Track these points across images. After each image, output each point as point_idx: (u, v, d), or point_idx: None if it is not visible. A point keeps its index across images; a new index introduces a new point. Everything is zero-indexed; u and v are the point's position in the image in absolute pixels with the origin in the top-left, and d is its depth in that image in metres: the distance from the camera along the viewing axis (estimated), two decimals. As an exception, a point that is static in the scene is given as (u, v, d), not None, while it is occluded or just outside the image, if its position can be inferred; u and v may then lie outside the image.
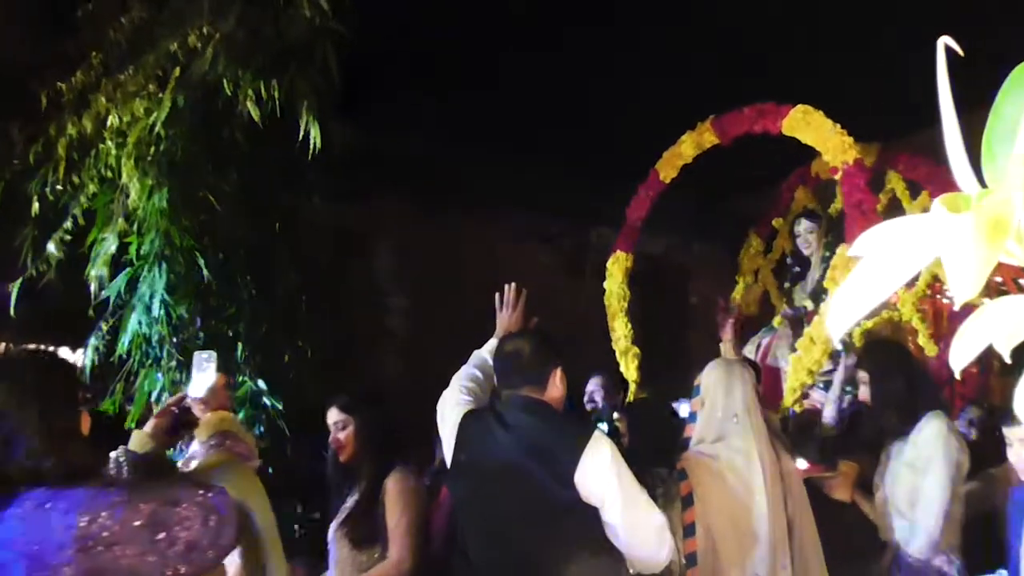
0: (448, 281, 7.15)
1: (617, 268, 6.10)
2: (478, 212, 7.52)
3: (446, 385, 3.36)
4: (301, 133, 4.43)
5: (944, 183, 5.83)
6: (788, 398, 5.24)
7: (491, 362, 3.30)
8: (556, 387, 3.06)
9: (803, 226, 6.09)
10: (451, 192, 7.09)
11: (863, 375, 3.96)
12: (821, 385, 5.49)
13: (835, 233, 5.88)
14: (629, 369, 5.86)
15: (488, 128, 6.59)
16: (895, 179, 6.40)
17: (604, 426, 3.96)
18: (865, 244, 0.99)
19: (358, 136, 5.66)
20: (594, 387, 5.48)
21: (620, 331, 5.91)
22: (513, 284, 3.63)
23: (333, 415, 3.79)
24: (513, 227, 7.85)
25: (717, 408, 3.66)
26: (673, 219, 6.81)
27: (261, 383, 5.00)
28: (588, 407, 5.35)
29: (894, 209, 6.27)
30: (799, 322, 5.71)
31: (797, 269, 6.26)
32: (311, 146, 4.42)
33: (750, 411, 3.66)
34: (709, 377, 3.75)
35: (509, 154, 6.88)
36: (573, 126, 6.65)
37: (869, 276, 0.95)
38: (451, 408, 3.22)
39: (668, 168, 6.06)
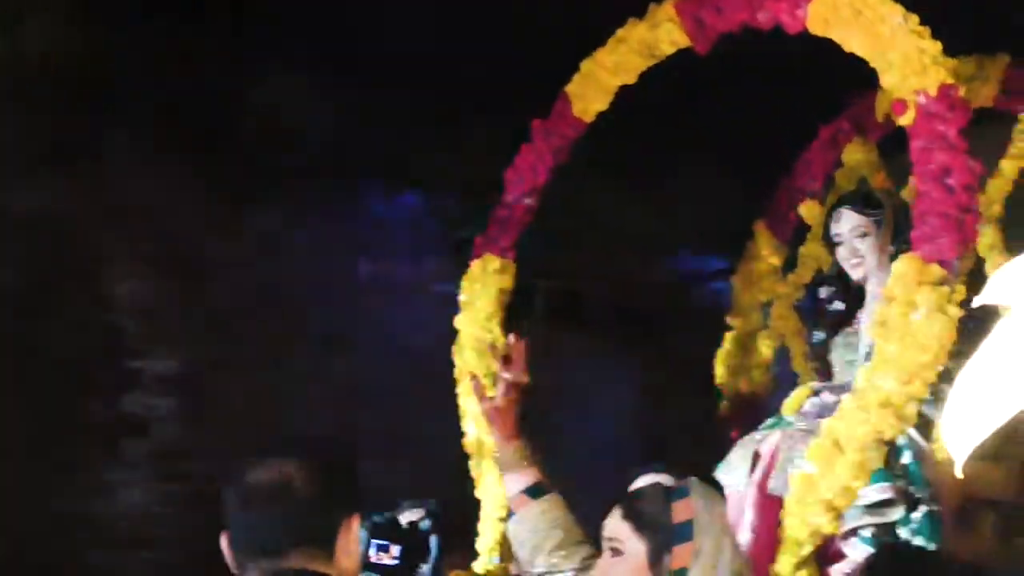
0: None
1: (486, 286, 3.46)
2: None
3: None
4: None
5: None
6: (785, 560, 2.62)
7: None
8: (348, 552, 1.93)
9: (847, 222, 3.32)
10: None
11: None
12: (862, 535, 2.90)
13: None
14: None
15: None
16: None
17: None
18: (1004, 287, 0.68)
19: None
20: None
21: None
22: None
23: None
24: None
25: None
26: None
27: None
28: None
29: None
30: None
31: (839, 305, 3.52)
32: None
33: None
34: (702, 512, 2.19)
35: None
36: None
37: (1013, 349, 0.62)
38: None
39: (591, 92, 3.38)
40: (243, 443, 2.81)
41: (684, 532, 2.13)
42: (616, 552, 2.13)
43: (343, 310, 5.06)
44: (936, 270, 2.55)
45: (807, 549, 2.58)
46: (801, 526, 2.58)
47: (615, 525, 2.16)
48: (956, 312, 2.56)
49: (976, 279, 3.60)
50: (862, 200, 3.33)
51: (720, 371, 3.96)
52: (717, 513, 2.18)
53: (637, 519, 2.14)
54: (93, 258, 4.52)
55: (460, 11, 4.21)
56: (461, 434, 3.42)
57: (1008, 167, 3.53)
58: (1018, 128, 3.52)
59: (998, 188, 3.53)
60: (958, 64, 3.56)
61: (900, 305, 2.56)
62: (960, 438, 0.75)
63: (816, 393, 3.31)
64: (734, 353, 3.95)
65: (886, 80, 2.76)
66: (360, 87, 4.60)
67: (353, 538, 2.01)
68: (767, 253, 3.98)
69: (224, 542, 1.94)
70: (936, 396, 3.21)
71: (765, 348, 3.96)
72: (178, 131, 4.47)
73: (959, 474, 1.06)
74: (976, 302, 0.78)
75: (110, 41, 4.26)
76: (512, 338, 2.79)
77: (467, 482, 3.36)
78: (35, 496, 4.15)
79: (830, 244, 3.41)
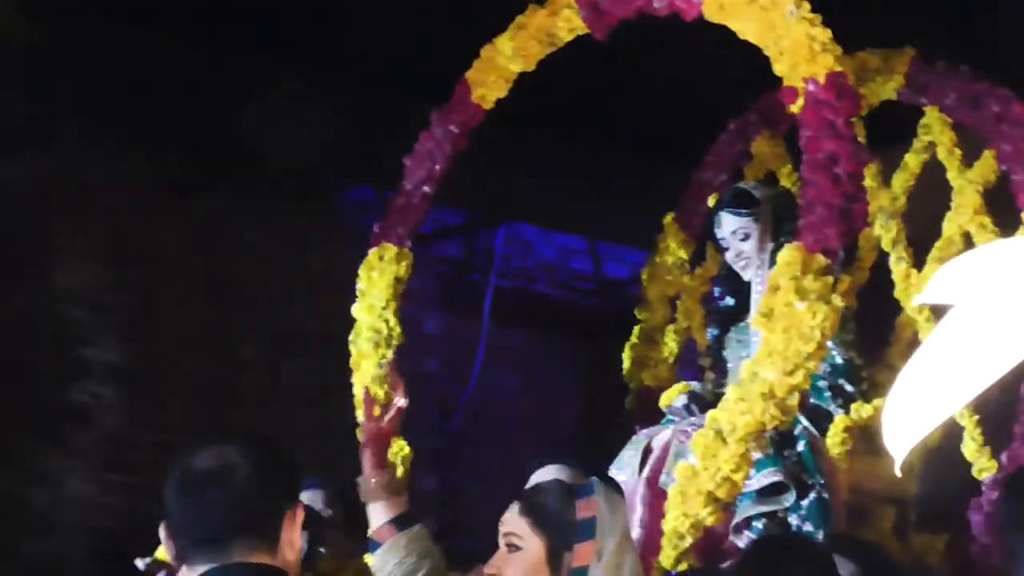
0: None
1: (383, 274, 3.38)
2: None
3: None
4: None
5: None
6: (666, 552, 2.57)
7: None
8: (292, 544, 1.84)
9: (727, 225, 3.28)
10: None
11: None
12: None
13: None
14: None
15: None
16: (937, 123, 3.54)
17: None
18: (945, 286, 0.74)
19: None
20: None
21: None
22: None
23: None
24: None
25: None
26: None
27: None
28: None
29: (932, 186, 3.53)
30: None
31: (729, 301, 3.46)
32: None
33: None
34: (605, 511, 2.15)
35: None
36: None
37: (955, 349, 0.70)
38: None
39: (490, 79, 3.32)
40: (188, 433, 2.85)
41: (587, 530, 2.08)
42: (513, 547, 2.06)
43: (292, 303, 4.97)
44: (820, 260, 2.52)
45: (688, 541, 2.54)
46: (683, 518, 2.53)
47: (514, 520, 2.08)
48: (840, 302, 2.52)
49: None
50: (736, 201, 3.29)
51: (627, 365, 3.91)
52: (619, 514, 2.13)
53: (537, 515, 2.07)
54: (41, 246, 4.45)
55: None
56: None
57: (912, 161, 3.50)
58: (922, 122, 3.49)
59: (902, 182, 3.50)
60: (863, 57, 3.59)
61: (784, 294, 2.52)
62: (900, 436, 0.76)
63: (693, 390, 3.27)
64: (641, 347, 3.90)
65: (778, 68, 2.72)
66: (303, 77, 4.51)
67: (297, 530, 1.93)
68: (675, 246, 3.92)
69: (164, 532, 1.83)
70: (835, 391, 3.19)
71: (672, 342, 3.91)
72: (128, 120, 4.38)
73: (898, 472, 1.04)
74: (916, 301, 0.79)
75: (62, 27, 4.14)
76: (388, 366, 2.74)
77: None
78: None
79: (718, 245, 3.39)
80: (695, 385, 3.27)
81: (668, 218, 3.95)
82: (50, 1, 4.05)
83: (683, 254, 3.92)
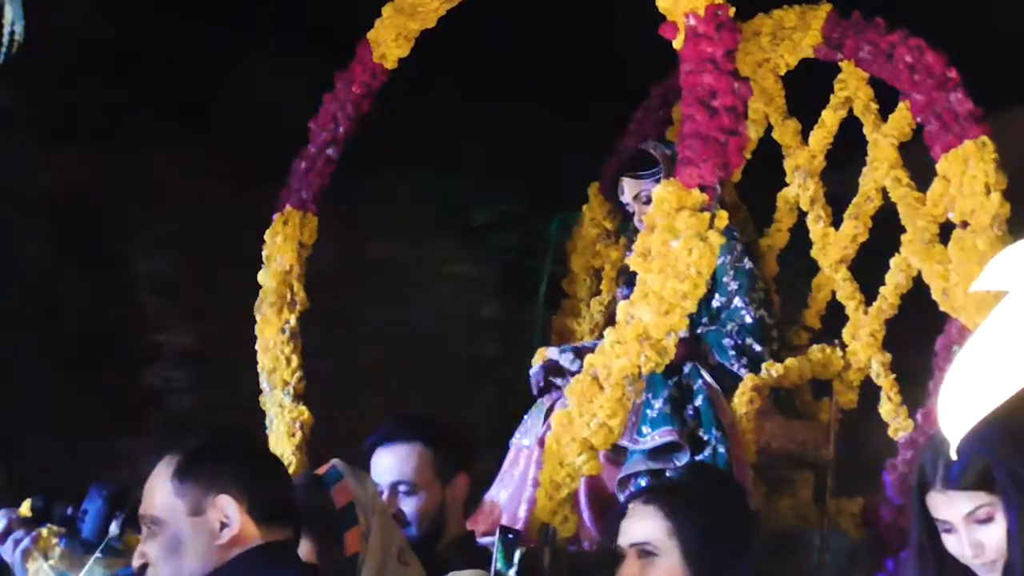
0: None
1: (287, 239, 3.31)
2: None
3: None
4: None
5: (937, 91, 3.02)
6: (542, 503, 2.47)
7: None
8: None
9: (629, 190, 3.23)
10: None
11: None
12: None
13: None
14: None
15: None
16: (853, 78, 3.38)
17: None
18: (999, 273, 0.74)
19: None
20: None
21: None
22: None
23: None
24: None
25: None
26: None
27: None
28: None
29: (850, 142, 3.43)
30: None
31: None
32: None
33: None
34: (359, 490, 2.06)
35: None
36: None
37: (1009, 334, 0.71)
38: None
39: (390, 38, 3.23)
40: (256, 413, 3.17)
41: (349, 516, 1.99)
42: None
43: (352, 290, 5.07)
44: (697, 195, 2.42)
45: (564, 492, 2.43)
46: (558, 468, 2.42)
47: None
48: (717, 239, 2.42)
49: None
50: (635, 164, 3.24)
51: (554, 337, 3.82)
52: (372, 490, 2.02)
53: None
54: (117, 236, 4.61)
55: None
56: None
57: (829, 118, 3.39)
58: (839, 78, 3.38)
59: (820, 140, 3.39)
60: (780, 15, 3.50)
61: (661, 233, 2.43)
62: (956, 418, 0.76)
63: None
64: (564, 319, 3.80)
65: (661, 3, 2.63)
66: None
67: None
68: (600, 217, 3.83)
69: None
70: (740, 350, 3.09)
71: (597, 313, 3.81)
72: (199, 114, 4.55)
73: (954, 455, 0.98)
74: (973, 287, 0.79)
75: (136, 23, 4.29)
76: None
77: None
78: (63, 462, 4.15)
79: (626, 212, 3.32)
80: (551, 352, 3.15)
81: (592, 188, 3.87)
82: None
83: (608, 224, 3.84)
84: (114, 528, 2.22)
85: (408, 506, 2.38)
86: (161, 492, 1.83)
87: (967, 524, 1.75)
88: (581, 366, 2.99)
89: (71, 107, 4.34)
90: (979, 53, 3.97)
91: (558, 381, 3.01)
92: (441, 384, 4.71)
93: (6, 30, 2.77)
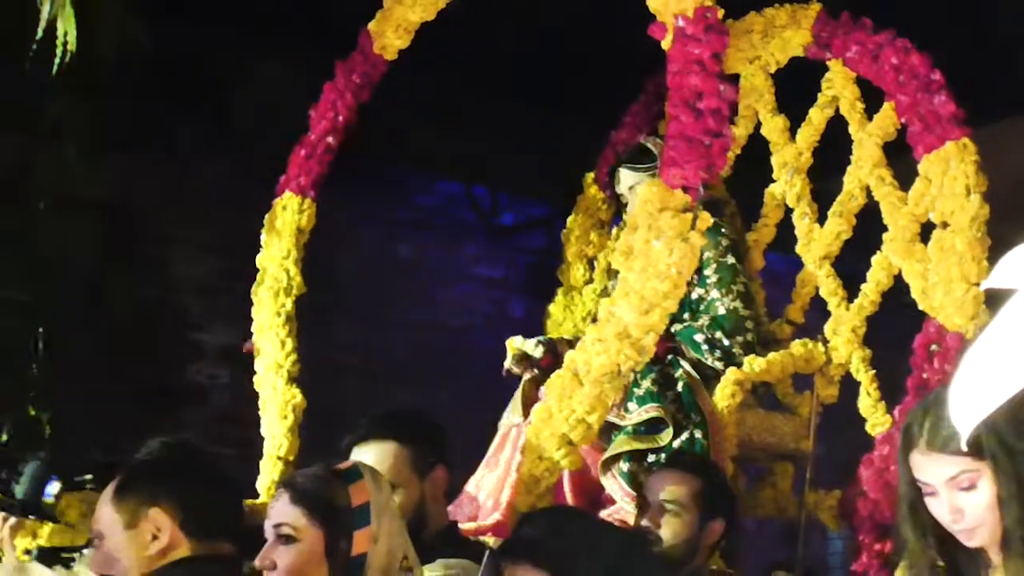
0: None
1: (285, 224, 3.37)
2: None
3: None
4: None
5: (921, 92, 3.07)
6: (522, 496, 2.53)
7: None
8: None
9: (625, 181, 3.32)
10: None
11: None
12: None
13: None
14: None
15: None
16: (840, 77, 3.42)
17: None
18: (1008, 271, 0.77)
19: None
20: None
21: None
22: None
23: None
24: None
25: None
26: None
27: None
28: None
29: (835, 142, 3.47)
30: None
31: None
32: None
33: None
34: (376, 493, 2.03)
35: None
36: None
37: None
38: None
39: (391, 29, 3.28)
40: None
41: (363, 516, 1.98)
42: (288, 539, 1.94)
43: (385, 290, 5.36)
44: (679, 196, 2.47)
45: (543, 485, 2.49)
46: (537, 461, 2.48)
47: (285, 510, 1.96)
48: (699, 240, 2.47)
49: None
50: (633, 156, 3.31)
51: (549, 324, 3.87)
52: (386, 494, 2.03)
53: (311, 504, 1.95)
54: (162, 241, 4.87)
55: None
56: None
57: (816, 116, 3.43)
58: (826, 77, 3.43)
59: (807, 137, 3.44)
60: (771, 13, 3.54)
61: (643, 232, 2.48)
62: (968, 411, 0.79)
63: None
64: (562, 306, 3.86)
65: (651, 3, 2.67)
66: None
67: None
68: (595, 207, 3.89)
69: None
70: (711, 344, 3.14)
71: (590, 301, 3.86)
72: (238, 123, 4.73)
73: (964, 446, 1.04)
74: (984, 285, 0.70)
75: (180, 34, 4.38)
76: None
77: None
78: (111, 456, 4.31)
79: (619, 204, 3.39)
80: (516, 340, 3.21)
81: (588, 178, 3.92)
82: (170, 8, 4.24)
83: (603, 214, 3.89)
84: (51, 489, 2.28)
85: None
86: (105, 508, 1.98)
87: (949, 489, 1.71)
88: (544, 352, 3.07)
89: (118, 115, 4.43)
90: (981, 62, 4.03)
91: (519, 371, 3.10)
92: (467, 380, 4.89)
93: (59, 42, 2.82)
